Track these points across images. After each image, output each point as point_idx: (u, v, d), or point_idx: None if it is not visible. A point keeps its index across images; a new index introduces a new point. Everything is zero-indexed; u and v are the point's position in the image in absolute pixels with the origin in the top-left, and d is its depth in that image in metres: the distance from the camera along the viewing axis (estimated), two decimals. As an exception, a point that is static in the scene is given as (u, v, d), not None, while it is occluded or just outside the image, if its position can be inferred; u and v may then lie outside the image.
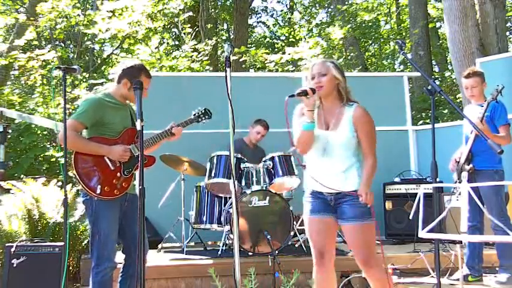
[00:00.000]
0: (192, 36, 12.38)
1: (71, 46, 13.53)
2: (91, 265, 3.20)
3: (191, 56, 11.29)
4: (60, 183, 5.47)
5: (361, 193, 2.76)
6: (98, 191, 3.15)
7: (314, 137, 2.86)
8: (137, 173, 3.34)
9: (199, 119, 3.70)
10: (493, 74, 5.08)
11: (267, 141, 5.83)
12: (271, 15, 19.67)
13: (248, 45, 13.90)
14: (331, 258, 2.95)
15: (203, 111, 3.72)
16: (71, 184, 5.27)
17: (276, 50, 16.77)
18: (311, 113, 2.79)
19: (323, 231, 2.91)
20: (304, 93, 2.78)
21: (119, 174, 3.24)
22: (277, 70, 11.58)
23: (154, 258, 4.80)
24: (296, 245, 5.13)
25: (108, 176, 3.20)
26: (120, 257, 3.34)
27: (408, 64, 12.56)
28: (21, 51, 10.47)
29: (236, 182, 4.23)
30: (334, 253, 2.98)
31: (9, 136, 6.78)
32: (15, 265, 3.58)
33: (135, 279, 3.12)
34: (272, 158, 4.96)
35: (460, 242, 4.61)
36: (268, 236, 4.45)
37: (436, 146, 2.82)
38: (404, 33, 14.69)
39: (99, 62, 13.28)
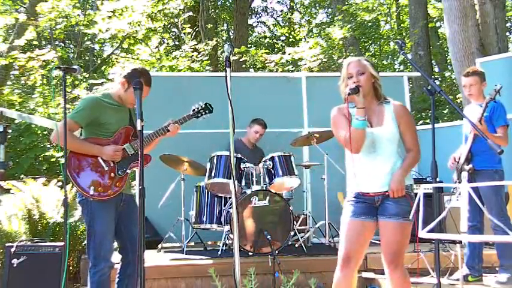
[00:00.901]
0: (192, 36, 12.38)
1: (71, 46, 13.54)
2: (88, 265, 3.20)
3: (191, 56, 11.29)
4: (60, 183, 5.48)
5: (393, 187, 2.76)
6: (92, 192, 3.15)
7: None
8: (137, 172, 3.34)
9: (199, 114, 3.59)
10: (493, 74, 5.07)
11: (267, 141, 5.83)
12: (271, 15, 19.68)
13: (248, 45, 13.89)
14: (357, 263, 2.89)
15: (203, 106, 3.60)
16: (71, 184, 5.25)
17: (276, 50, 16.77)
18: (363, 110, 2.75)
19: (360, 235, 2.84)
20: (356, 90, 2.75)
21: (112, 174, 3.24)
22: (277, 70, 11.58)
23: (154, 258, 4.80)
24: (296, 245, 5.13)
25: (101, 176, 3.21)
26: (117, 257, 3.34)
27: (408, 64, 12.57)
28: (21, 51, 10.47)
29: (236, 182, 4.24)
30: (362, 257, 2.93)
31: (9, 136, 6.78)
32: (15, 265, 3.58)
33: (133, 279, 3.13)
34: (272, 158, 4.96)
35: (460, 242, 4.61)
36: (268, 236, 4.45)
37: (436, 146, 2.82)
38: (404, 33, 14.69)
39: (99, 62, 13.29)
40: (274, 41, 19.30)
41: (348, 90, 2.76)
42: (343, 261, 2.85)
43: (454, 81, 10.53)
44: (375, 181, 2.82)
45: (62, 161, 3.61)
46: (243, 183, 5.00)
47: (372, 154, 2.84)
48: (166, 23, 12.90)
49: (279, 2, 19.53)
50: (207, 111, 3.62)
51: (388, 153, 2.84)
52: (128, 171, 3.30)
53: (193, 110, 3.59)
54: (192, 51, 11.39)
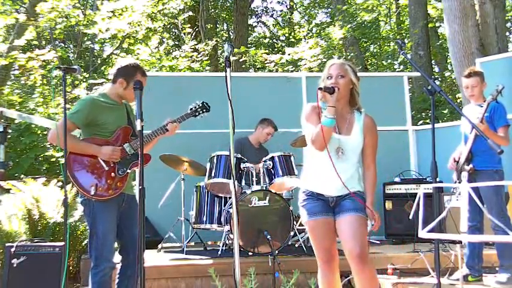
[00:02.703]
0: (192, 36, 12.38)
1: (71, 46, 13.53)
2: (90, 265, 3.20)
3: (191, 56, 11.30)
4: (60, 183, 5.48)
5: (373, 216, 2.84)
6: (92, 192, 3.14)
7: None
8: (137, 172, 3.34)
9: (197, 113, 3.61)
10: (493, 74, 5.08)
11: (267, 141, 5.82)
12: (271, 16, 19.68)
13: (248, 45, 13.89)
14: (336, 260, 2.93)
15: (200, 105, 3.63)
16: (71, 184, 5.25)
17: (276, 50, 16.77)
18: (333, 109, 2.77)
19: (329, 232, 2.89)
20: (331, 90, 2.78)
21: (113, 174, 3.23)
22: (277, 70, 11.58)
23: (155, 258, 4.80)
24: (296, 245, 5.13)
25: (102, 177, 3.20)
26: (118, 258, 3.34)
27: (408, 64, 12.56)
28: (21, 51, 10.47)
29: (236, 182, 4.24)
30: (337, 254, 2.96)
31: (9, 136, 6.78)
32: (15, 265, 3.58)
33: (133, 280, 3.13)
34: (272, 158, 4.96)
35: (460, 242, 4.61)
36: (268, 236, 4.45)
37: (436, 146, 2.82)
38: (404, 33, 14.69)
39: (99, 62, 13.29)
40: (274, 41, 19.29)
41: (323, 86, 2.80)
42: (325, 260, 2.90)
43: (454, 81, 10.52)
44: (333, 185, 2.86)
45: (62, 161, 3.61)
46: (243, 183, 5.00)
47: (338, 159, 2.86)
48: (166, 23, 12.90)
49: (279, 2, 19.54)
50: (204, 110, 3.64)
51: (350, 162, 2.89)
52: (128, 171, 3.30)
53: (191, 109, 3.62)
54: (192, 51, 11.40)
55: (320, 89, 2.79)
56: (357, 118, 2.93)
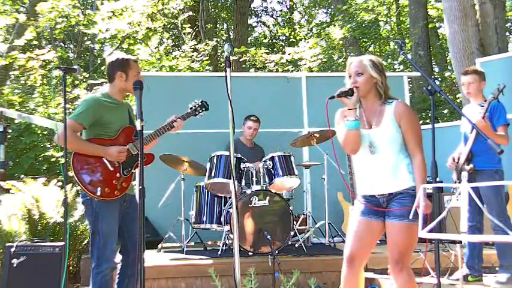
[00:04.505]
0: (192, 36, 12.38)
1: (71, 46, 13.54)
2: (91, 265, 3.20)
3: (191, 56, 11.30)
4: (60, 183, 5.48)
5: (423, 207, 2.64)
6: (99, 193, 3.13)
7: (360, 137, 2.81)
8: (137, 172, 3.34)
9: (196, 112, 3.62)
10: (493, 74, 5.07)
11: (267, 141, 5.83)
12: (271, 15, 19.68)
13: (248, 45, 13.89)
14: (362, 262, 2.89)
15: (200, 104, 3.64)
16: (71, 184, 5.27)
17: (276, 50, 16.77)
18: (353, 111, 2.72)
19: (366, 234, 2.84)
20: (344, 93, 2.73)
21: (118, 174, 3.23)
22: (277, 70, 11.58)
23: (154, 258, 4.80)
24: (296, 245, 5.13)
25: (107, 177, 3.19)
26: (119, 258, 3.34)
27: (408, 64, 12.57)
28: (21, 51, 10.47)
29: (236, 182, 4.24)
30: (367, 257, 2.92)
31: (9, 136, 6.78)
32: (15, 265, 3.58)
33: (134, 280, 3.13)
34: (272, 158, 4.96)
35: (460, 242, 4.61)
36: (268, 236, 4.44)
37: (436, 146, 2.82)
38: (404, 33, 14.69)
39: (99, 62, 13.29)
40: (274, 41, 19.29)
41: (336, 93, 2.73)
42: (347, 261, 2.86)
43: (454, 81, 10.53)
44: (376, 183, 2.80)
45: (62, 161, 3.61)
46: (243, 183, 5.00)
47: (370, 156, 2.81)
48: (166, 23, 12.90)
49: (279, 2, 19.54)
50: (203, 109, 3.66)
51: (387, 155, 2.79)
52: (133, 171, 3.30)
53: (191, 108, 3.64)
54: (192, 51, 11.40)
55: (332, 97, 2.72)
56: (388, 108, 2.81)
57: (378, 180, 2.80)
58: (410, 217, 2.62)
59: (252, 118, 5.64)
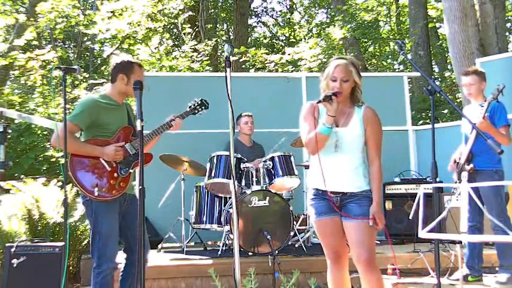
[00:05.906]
0: (192, 36, 12.38)
1: (71, 46, 13.54)
2: (92, 265, 3.20)
3: (191, 56, 11.30)
4: (60, 183, 5.48)
5: (376, 216, 2.75)
6: (96, 193, 3.13)
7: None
8: (137, 172, 3.34)
9: (196, 111, 3.62)
10: (493, 74, 5.07)
11: (267, 141, 5.83)
12: (271, 16, 19.67)
13: (248, 46, 13.89)
14: (347, 259, 2.93)
15: (199, 102, 3.63)
16: (71, 184, 5.27)
17: (276, 50, 16.77)
18: (332, 118, 2.75)
19: (335, 231, 2.87)
20: (329, 98, 2.75)
21: (115, 174, 3.22)
22: (277, 70, 11.57)
23: (154, 258, 4.80)
24: (296, 245, 5.13)
25: (105, 177, 3.19)
26: (121, 257, 3.33)
27: (408, 64, 12.56)
28: (21, 51, 10.47)
29: (236, 182, 4.24)
30: (348, 252, 2.95)
31: (9, 136, 6.78)
32: (15, 265, 3.58)
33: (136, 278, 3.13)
34: (272, 158, 4.96)
35: (460, 242, 4.61)
36: (268, 236, 4.45)
37: (436, 146, 2.82)
38: (404, 34, 14.69)
39: (99, 62, 13.29)
40: (274, 41, 19.29)
41: (322, 97, 2.76)
42: (333, 261, 2.92)
43: (454, 81, 10.52)
44: (333, 180, 2.82)
45: (62, 161, 3.61)
46: (243, 183, 5.00)
47: (333, 154, 2.84)
48: (166, 23, 12.90)
49: (279, 2, 19.54)
50: (203, 108, 3.65)
51: (350, 155, 2.84)
52: (131, 170, 3.30)
53: (190, 107, 3.63)
54: (192, 51, 11.40)
55: (319, 101, 2.76)
56: (357, 111, 2.88)
57: (337, 177, 2.82)
58: (370, 224, 2.74)
59: (244, 114, 5.62)
